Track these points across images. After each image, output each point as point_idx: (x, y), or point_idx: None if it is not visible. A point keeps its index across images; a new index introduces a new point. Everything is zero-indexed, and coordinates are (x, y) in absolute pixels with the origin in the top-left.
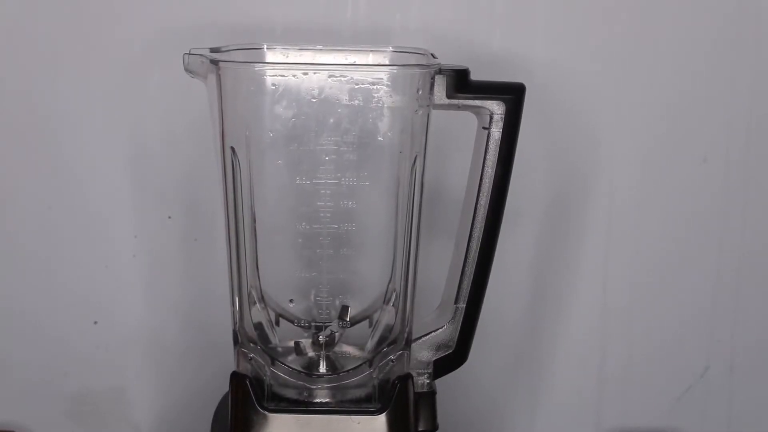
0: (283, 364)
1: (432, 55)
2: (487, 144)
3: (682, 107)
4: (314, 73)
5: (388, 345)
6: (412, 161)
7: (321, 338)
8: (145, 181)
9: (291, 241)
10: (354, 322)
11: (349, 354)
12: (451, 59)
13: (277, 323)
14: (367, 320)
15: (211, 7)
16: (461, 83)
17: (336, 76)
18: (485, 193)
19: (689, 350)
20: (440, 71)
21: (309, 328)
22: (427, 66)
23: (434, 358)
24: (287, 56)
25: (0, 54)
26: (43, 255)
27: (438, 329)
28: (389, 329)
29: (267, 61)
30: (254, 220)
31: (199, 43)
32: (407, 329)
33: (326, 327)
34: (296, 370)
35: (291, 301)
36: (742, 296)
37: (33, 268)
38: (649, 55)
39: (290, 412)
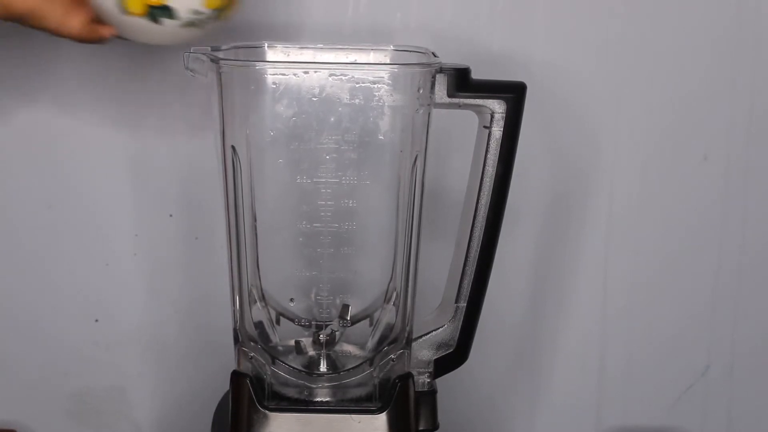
0: (283, 363)
1: (433, 53)
2: (488, 143)
3: (682, 105)
4: (315, 71)
5: (389, 344)
6: (413, 160)
7: (321, 337)
8: (145, 180)
9: (292, 240)
10: (354, 321)
11: (350, 353)
12: (451, 58)
13: (278, 322)
14: (368, 319)
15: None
16: (462, 82)
17: (337, 75)
18: (486, 192)
19: (689, 350)
20: (441, 70)
21: (310, 327)
22: (428, 65)
23: (435, 357)
24: (288, 55)
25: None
26: (43, 254)
27: (438, 328)
28: (390, 328)
29: (267, 59)
30: (255, 219)
31: (200, 42)
32: (408, 328)
33: (327, 326)
34: (297, 369)
35: (291, 299)
36: (743, 295)
37: (33, 266)
38: (650, 54)
39: (291, 411)
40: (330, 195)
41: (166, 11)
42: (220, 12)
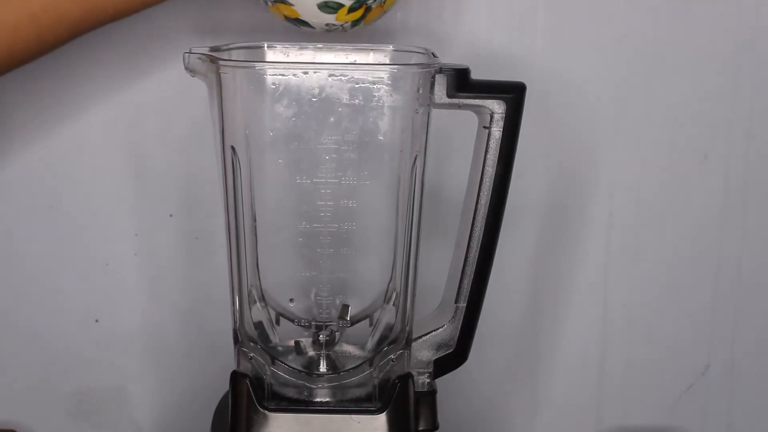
0: (283, 363)
1: (432, 54)
2: (487, 143)
3: (682, 105)
4: (315, 72)
5: (389, 344)
6: (413, 160)
7: (321, 337)
8: (146, 180)
9: (291, 240)
10: (354, 321)
11: (350, 353)
12: (451, 58)
13: (278, 322)
14: (368, 319)
15: (212, 4)
16: (462, 82)
17: (336, 75)
18: (486, 193)
19: (689, 349)
20: (441, 70)
21: (309, 327)
22: (428, 65)
23: (434, 358)
24: (287, 55)
25: None
26: (44, 254)
27: (438, 328)
28: (389, 328)
29: (267, 59)
30: (254, 219)
31: (200, 42)
32: (407, 328)
33: (327, 326)
34: (296, 369)
35: (291, 300)
36: (743, 295)
37: (34, 266)
38: (650, 54)
39: (290, 411)
40: (330, 195)
41: (303, 23)
42: (355, 22)
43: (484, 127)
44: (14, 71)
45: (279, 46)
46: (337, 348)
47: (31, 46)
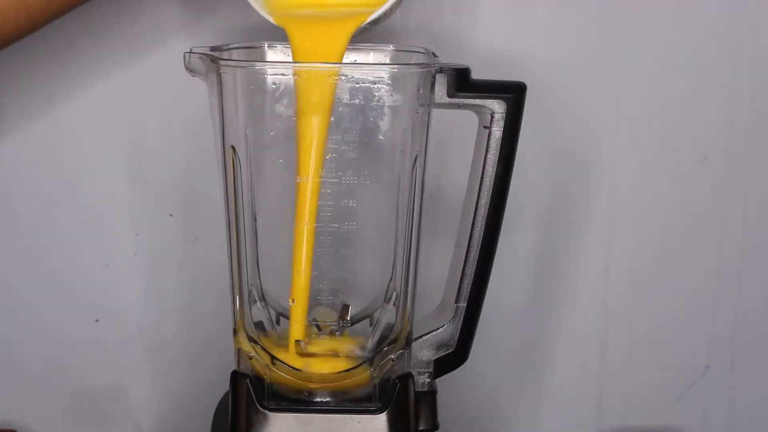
0: (283, 363)
1: (433, 53)
2: (487, 143)
3: (682, 104)
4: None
5: (389, 344)
6: (413, 160)
7: (321, 337)
8: (146, 179)
9: (292, 240)
10: (354, 321)
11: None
12: (451, 58)
13: (278, 322)
14: (368, 319)
15: (212, 3)
16: (462, 82)
17: (336, 75)
18: (486, 192)
19: (690, 349)
20: (441, 70)
21: (309, 327)
22: (428, 65)
23: (435, 358)
24: (288, 54)
25: None
26: (43, 253)
27: (438, 328)
28: (390, 328)
29: (267, 59)
30: (255, 219)
31: (200, 41)
32: (408, 328)
33: (327, 326)
34: (297, 369)
35: (292, 300)
36: (743, 295)
37: (33, 266)
38: (650, 54)
39: (290, 411)
40: (330, 195)
41: None
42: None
43: (485, 127)
44: (13, 73)
45: (279, 46)
46: None
47: (21, 26)
